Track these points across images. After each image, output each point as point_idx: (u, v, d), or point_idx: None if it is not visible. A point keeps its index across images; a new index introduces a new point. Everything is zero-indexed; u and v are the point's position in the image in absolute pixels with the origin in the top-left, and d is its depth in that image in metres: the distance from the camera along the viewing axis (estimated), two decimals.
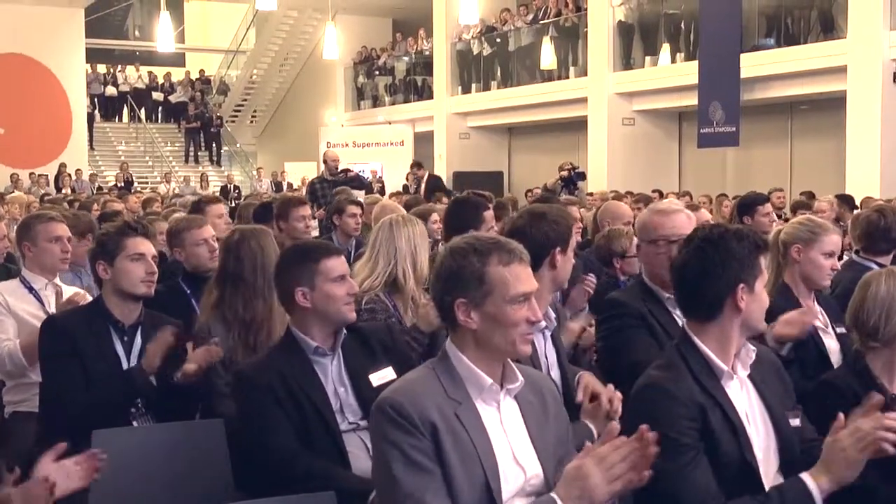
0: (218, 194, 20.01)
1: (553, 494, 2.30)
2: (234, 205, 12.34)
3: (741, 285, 2.66)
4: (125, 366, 3.84)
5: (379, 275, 4.28)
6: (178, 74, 31.09)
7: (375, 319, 4.06)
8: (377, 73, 26.65)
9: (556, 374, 3.43)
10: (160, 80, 30.25)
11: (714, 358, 2.68)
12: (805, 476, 2.52)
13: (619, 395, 3.11)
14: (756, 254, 2.72)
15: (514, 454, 2.47)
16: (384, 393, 2.46)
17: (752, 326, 2.75)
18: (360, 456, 3.22)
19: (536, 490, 2.46)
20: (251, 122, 31.15)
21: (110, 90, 29.35)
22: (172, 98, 30.00)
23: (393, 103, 25.84)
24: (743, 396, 2.73)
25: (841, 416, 2.55)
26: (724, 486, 2.57)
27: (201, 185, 23.75)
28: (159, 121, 30.48)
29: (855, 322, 3.18)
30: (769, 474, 2.69)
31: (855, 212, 7.50)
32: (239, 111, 30.87)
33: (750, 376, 2.77)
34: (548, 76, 20.52)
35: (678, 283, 2.78)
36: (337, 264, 3.39)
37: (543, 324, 3.43)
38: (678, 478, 2.50)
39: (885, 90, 14.06)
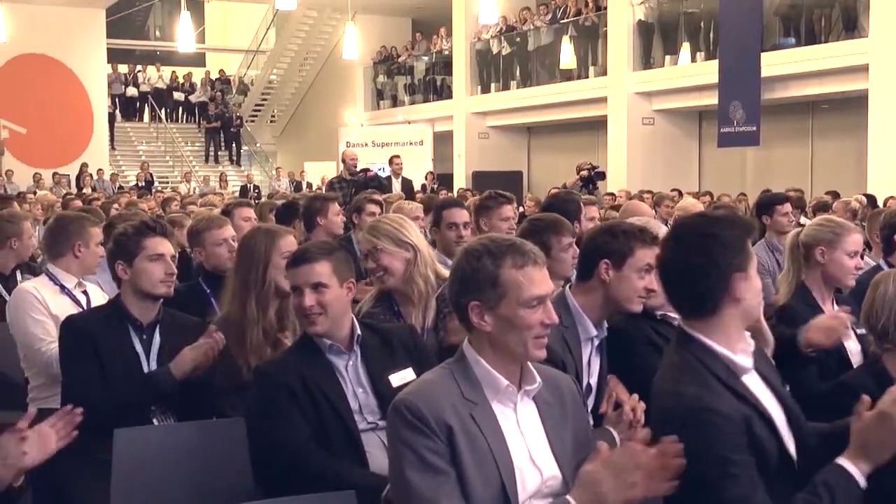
0: (238, 194, 20.17)
1: (569, 497, 2.30)
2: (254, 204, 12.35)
3: (737, 273, 2.53)
4: (144, 364, 3.86)
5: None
6: (198, 74, 31.20)
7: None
8: (396, 72, 26.67)
9: (594, 382, 3.45)
10: (180, 80, 30.35)
11: (730, 355, 2.54)
12: (843, 461, 2.43)
13: (642, 404, 3.10)
14: (746, 238, 2.61)
15: (532, 455, 2.46)
16: (400, 394, 2.46)
17: (752, 316, 2.63)
18: (378, 455, 3.22)
19: (554, 491, 2.45)
20: (271, 121, 31.24)
21: (131, 90, 29.48)
22: (193, 98, 30.11)
23: (412, 103, 25.87)
24: (762, 388, 2.62)
25: (866, 398, 2.47)
26: (769, 485, 2.48)
27: (221, 185, 23.83)
28: (180, 121, 30.61)
29: (868, 323, 3.16)
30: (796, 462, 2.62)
31: (872, 212, 7.43)
32: (259, 111, 30.96)
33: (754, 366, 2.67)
34: (567, 76, 20.49)
35: (669, 281, 2.66)
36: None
37: (594, 332, 3.46)
38: (741, 501, 2.39)
39: None
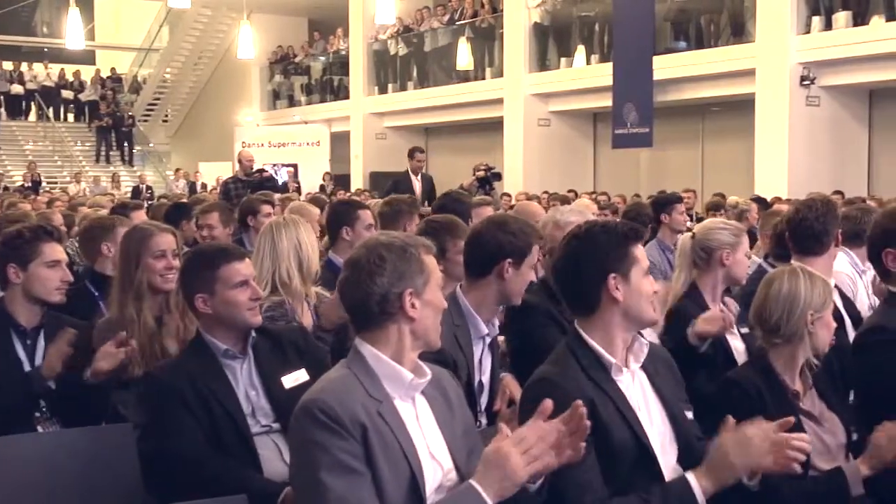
0: (130, 195, 19.74)
1: (472, 481, 2.28)
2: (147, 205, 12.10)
3: (612, 275, 2.68)
4: (27, 369, 3.74)
5: (265, 280, 4.23)
6: (88, 72, 30.46)
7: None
8: (293, 72, 26.49)
9: (486, 380, 3.46)
10: (70, 78, 29.61)
11: (601, 351, 2.69)
12: (690, 475, 2.57)
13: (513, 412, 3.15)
14: (625, 243, 2.72)
15: (431, 450, 2.46)
16: (309, 395, 2.42)
17: (637, 317, 2.73)
18: (271, 459, 3.19)
19: (453, 484, 2.45)
20: (164, 121, 30.76)
21: (16, 88, 28.65)
22: (82, 96, 29.45)
23: (309, 103, 25.77)
24: (636, 389, 2.74)
25: (730, 418, 2.60)
26: (623, 477, 2.59)
27: (112, 186, 23.30)
28: (69, 120, 29.84)
29: (758, 319, 3.24)
30: (668, 465, 2.71)
31: (765, 213, 7.64)
32: (152, 110, 30.43)
33: (644, 369, 2.79)
34: (464, 77, 20.61)
35: (557, 280, 2.81)
36: (239, 269, 3.35)
37: (486, 330, 3.47)
38: (560, 474, 2.46)
39: (791, 93, 14.40)
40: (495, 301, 3.53)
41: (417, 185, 11.59)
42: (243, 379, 3.30)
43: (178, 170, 25.72)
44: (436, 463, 2.45)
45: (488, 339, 3.52)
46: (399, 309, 2.44)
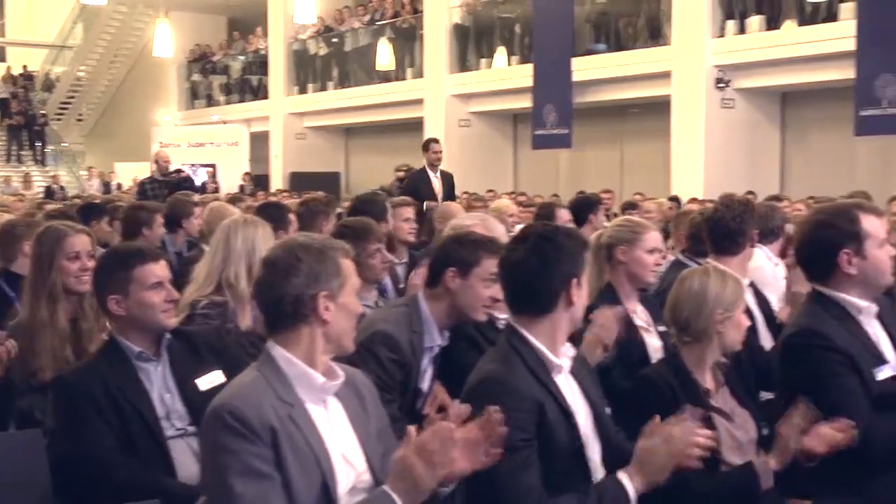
0: (43, 195, 19.32)
1: (385, 487, 2.28)
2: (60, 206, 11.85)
3: (574, 280, 2.73)
4: None
5: (212, 278, 4.17)
6: None
7: (209, 325, 3.96)
8: (211, 71, 26.20)
9: (425, 388, 3.47)
10: None
11: (546, 351, 2.73)
12: (621, 475, 2.63)
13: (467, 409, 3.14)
14: (583, 250, 2.81)
15: (343, 452, 2.44)
16: (219, 399, 2.38)
17: (578, 320, 2.84)
18: (186, 463, 3.15)
19: (367, 486, 2.44)
20: (78, 120, 30.20)
21: None
22: None
23: (228, 103, 25.56)
24: (571, 389, 2.80)
25: (657, 419, 2.65)
26: (558, 477, 2.63)
27: (24, 186, 22.76)
28: None
29: (671, 317, 3.29)
30: (595, 463, 2.77)
31: (678, 212, 7.77)
32: (65, 109, 29.86)
33: (570, 370, 2.84)
34: (385, 77, 20.57)
35: (513, 279, 2.80)
36: (154, 270, 3.29)
37: (438, 341, 3.50)
38: (508, 477, 2.52)
39: (707, 95, 14.65)
40: (449, 313, 3.53)
41: (437, 183, 10.20)
42: (157, 382, 3.25)
43: (90, 168, 25.25)
44: (348, 465, 2.44)
45: (436, 350, 3.53)
46: (312, 311, 2.42)
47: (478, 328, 3.59)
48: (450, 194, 10.16)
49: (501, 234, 3.73)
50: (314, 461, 2.35)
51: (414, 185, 9.93)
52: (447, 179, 10.33)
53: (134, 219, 6.45)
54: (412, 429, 2.35)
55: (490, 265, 3.45)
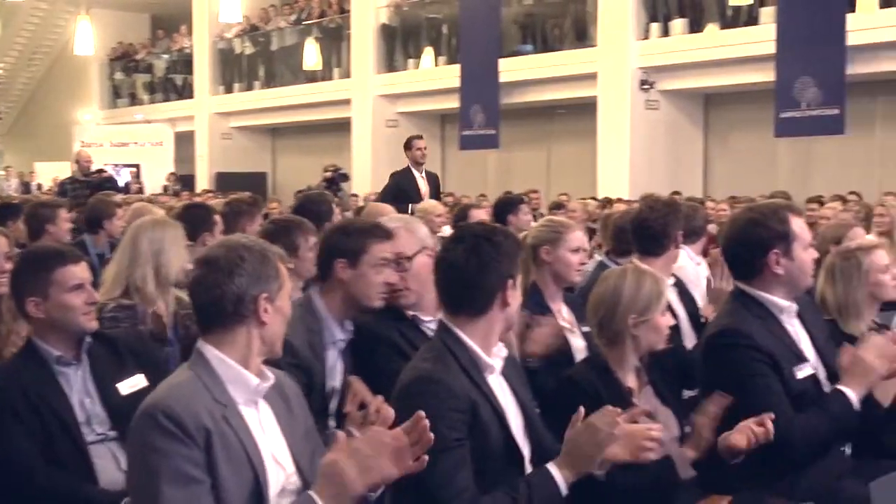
0: None
1: (311, 493, 2.26)
2: None
3: (510, 280, 2.75)
4: None
5: (119, 281, 4.09)
6: None
7: (118, 328, 3.88)
8: (135, 70, 25.80)
9: (338, 385, 3.40)
10: None
11: (479, 352, 2.75)
12: (551, 466, 2.65)
13: (387, 406, 3.11)
14: (519, 250, 2.85)
15: (274, 454, 2.43)
16: (151, 399, 2.34)
17: (512, 320, 2.86)
18: (108, 468, 3.11)
19: (296, 489, 2.43)
20: None
21: None
22: None
23: (152, 102, 25.20)
24: (503, 389, 2.82)
25: (581, 410, 2.67)
26: (490, 478, 2.64)
27: None
28: None
29: (592, 318, 3.32)
30: (526, 462, 2.79)
31: (603, 213, 7.84)
32: None
33: (501, 371, 2.85)
34: (312, 77, 20.45)
35: (450, 279, 2.80)
36: (74, 272, 3.24)
37: (339, 336, 3.42)
38: (440, 477, 2.52)
39: (632, 97, 14.83)
40: (345, 305, 3.45)
41: (423, 184, 9.43)
42: (77, 386, 3.21)
43: (8, 168, 24.70)
44: (279, 467, 2.42)
45: (342, 345, 3.47)
46: (252, 312, 2.40)
47: (401, 333, 3.53)
48: (436, 196, 9.37)
49: (425, 235, 3.68)
50: (247, 462, 2.33)
51: (397, 187, 9.28)
52: (433, 179, 9.64)
53: (37, 216, 6.32)
54: (342, 434, 2.34)
55: (378, 250, 3.41)
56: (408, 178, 9.37)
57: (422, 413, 2.29)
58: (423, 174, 9.46)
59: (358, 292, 3.42)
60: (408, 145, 9.60)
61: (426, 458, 2.28)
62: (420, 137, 9.79)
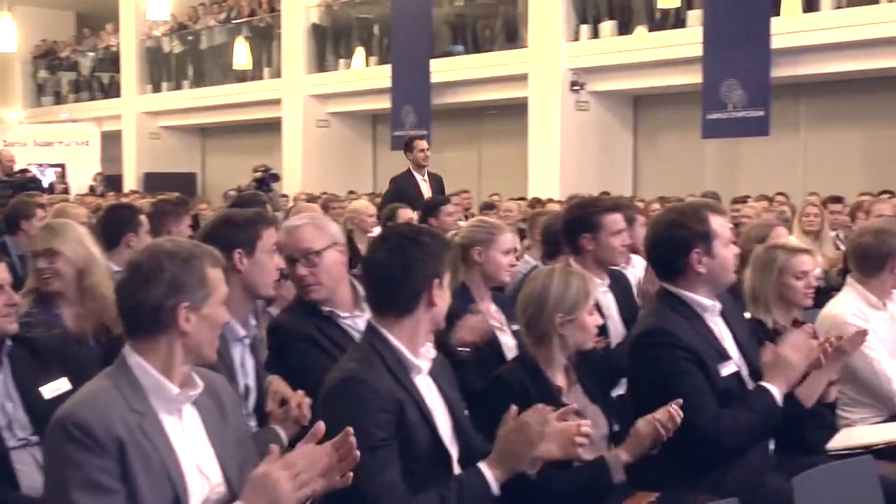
0: None
1: (239, 502, 2.24)
2: None
3: (436, 280, 2.75)
4: None
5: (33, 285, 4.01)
6: None
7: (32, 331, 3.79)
8: (59, 68, 25.33)
9: (252, 383, 3.33)
10: None
11: (406, 352, 2.75)
12: (482, 465, 2.67)
13: (308, 400, 3.11)
14: (445, 250, 2.84)
15: (198, 464, 2.38)
16: (63, 408, 2.29)
17: (439, 321, 2.85)
18: (30, 473, 3.05)
19: (221, 499, 2.38)
20: None
21: None
22: None
23: (77, 100, 24.78)
24: (430, 390, 2.82)
25: (514, 408, 2.70)
26: (418, 478, 2.65)
27: None
28: None
29: (521, 316, 3.34)
30: (454, 462, 2.80)
31: (533, 213, 7.88)
32: None
33: (429, 372, 2.85)
34: (241, 76, 20.29)
35: (375, 278, 2.81)
36: None
37: (242, 332, 3.34)
38: (368, 477, 2.51)
39: (563, 98, 14.94)
40: (243, 297, 3.34)
41: (425, 187, 8.92)
42: None
43: None
44: (203, 477, 2.38)
45: (247, 341, 3.37)
46: (172, 322, 2.34)
47: (319, 328, 3.48)
48: (439, 194, 8.84)
49: (336, 231, 3.63)
50: (165, 473, 2.28)
51: (399, 191, 8.70)
52: (436, 182, 9.08)
53: None
54: (276, 447, 2.31)
55: (269, 236, 3.36)
56: (409, 182, 8.92)
57: (350, 430, 2.27)
58: (426, 177, 9.00)
59: (255, 280, 3.32)
60: (408, 147, 9.10)
61: (351, 474, 2.27)
62: (421, 138, 9.24)
